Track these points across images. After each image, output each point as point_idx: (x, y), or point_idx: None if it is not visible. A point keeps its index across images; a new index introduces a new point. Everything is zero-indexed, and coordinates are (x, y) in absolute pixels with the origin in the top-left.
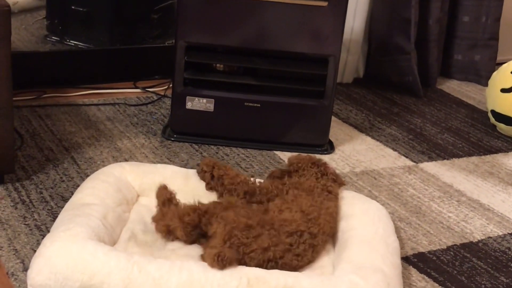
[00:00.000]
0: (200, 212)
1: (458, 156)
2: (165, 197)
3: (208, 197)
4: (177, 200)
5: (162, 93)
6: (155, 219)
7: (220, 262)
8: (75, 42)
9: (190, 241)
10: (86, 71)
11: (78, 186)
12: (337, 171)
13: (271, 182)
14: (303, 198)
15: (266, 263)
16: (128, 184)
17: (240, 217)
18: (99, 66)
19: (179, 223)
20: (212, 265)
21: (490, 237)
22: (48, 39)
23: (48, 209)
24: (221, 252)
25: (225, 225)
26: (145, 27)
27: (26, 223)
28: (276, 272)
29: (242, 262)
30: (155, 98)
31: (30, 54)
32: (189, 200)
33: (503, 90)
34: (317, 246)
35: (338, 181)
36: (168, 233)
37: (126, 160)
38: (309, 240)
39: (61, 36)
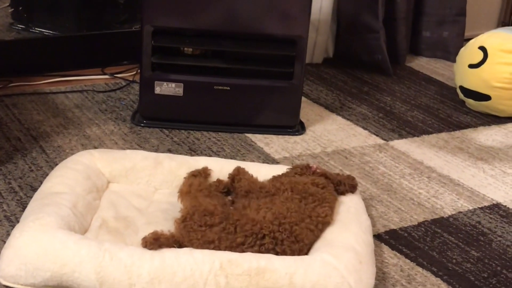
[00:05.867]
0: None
1: (428, 132)
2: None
3: (179, 181)
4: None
5: (131, 79)
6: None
7: (149, 245)
8: (40, 30)
9: None
10: (53, 59)
11: (47, 175)
12: (308, 152)
13: (271, 181)
14: (290, 202)
15: None
16: (97, 171)
17: (206, 200)
18: (66, 53)
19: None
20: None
21: (461, 212)
22: (13, 27)
23: (17, 200)
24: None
25: (191, 207)
26: (111, 12)
27: None
28: (248, 255)
29: (183, 246)
30: (124, 84)
31: None
32: (160, 184)
33: (471, 66)
34: (278, 253)
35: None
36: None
37: (95, 148)
38: (268, 245)
39: (26, 23)
